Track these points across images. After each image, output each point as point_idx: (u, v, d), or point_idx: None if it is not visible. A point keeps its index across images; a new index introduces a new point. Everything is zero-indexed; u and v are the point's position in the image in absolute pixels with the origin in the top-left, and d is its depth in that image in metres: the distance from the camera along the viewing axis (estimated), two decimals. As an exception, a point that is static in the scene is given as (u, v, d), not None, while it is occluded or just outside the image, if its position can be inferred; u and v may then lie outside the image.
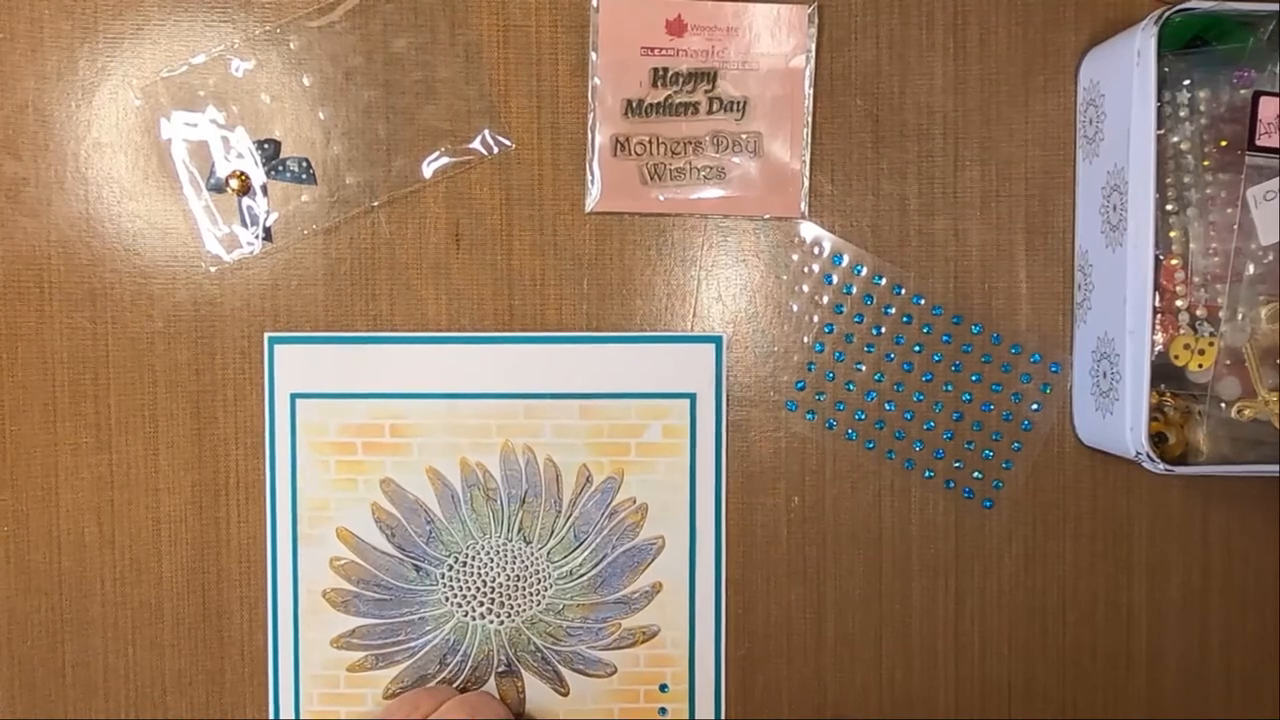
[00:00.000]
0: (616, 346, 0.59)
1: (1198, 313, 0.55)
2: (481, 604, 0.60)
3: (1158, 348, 0.55)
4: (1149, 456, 0.52)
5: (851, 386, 0.60)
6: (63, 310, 0.58)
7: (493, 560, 0.59)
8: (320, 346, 0.59)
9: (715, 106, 0.58)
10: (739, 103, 0.58)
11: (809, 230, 0.59)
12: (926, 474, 0.60)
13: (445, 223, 0.59)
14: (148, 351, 0.58)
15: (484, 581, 0.60)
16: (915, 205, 0.60)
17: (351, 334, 0.59)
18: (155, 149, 0.58)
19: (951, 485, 0.60)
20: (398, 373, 0.59)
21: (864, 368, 0.60)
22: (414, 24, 0.58)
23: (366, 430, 0.59)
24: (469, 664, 0.60)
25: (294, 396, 0.59)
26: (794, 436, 0.60)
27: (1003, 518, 0.61)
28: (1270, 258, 0.54)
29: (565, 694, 0.60)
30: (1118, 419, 0.54)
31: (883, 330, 0.60)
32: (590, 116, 0.58)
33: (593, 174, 0.58)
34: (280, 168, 0.58)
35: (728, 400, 0.60)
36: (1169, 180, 0.55)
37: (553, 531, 0.60)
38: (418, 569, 0.59)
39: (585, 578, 0.60)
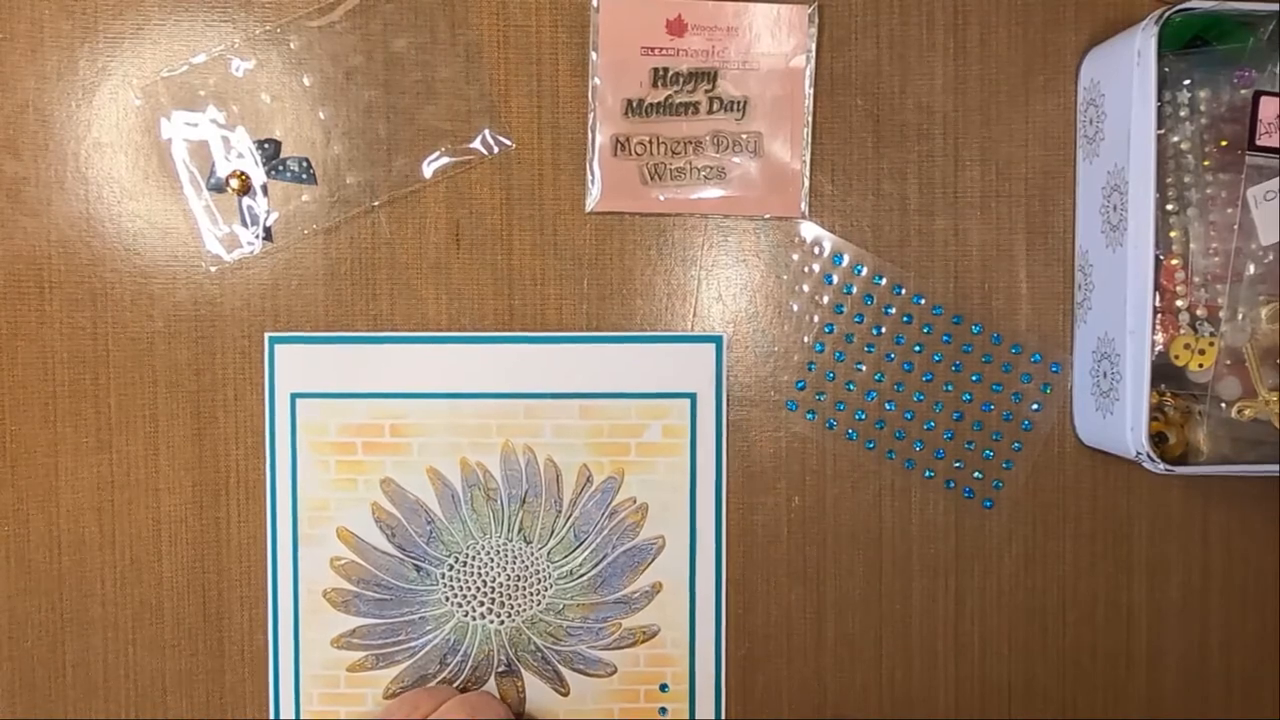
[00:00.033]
0: (616, 346, 0.59)
1: (1198, 313, 0.55)
2: (482, 604, 0.60)
3: (1158, 348, 0.55)
4: (1149, 456, 0.52)
5: (852, 386, 0.60)
6: (63, 310, 0.58)
7: (493, 560, 0.59)
8: (320, 346, 0.59)
9: (715, 106, 0.58)
10: (739, 103, 0.58)
11: (809, 230, 0.59)
12: (927, 474, 0.60)
13: (445, 223, 0.59)
14: (148, 351, 0.58)
15: (484, 581, 0.60)
16: (915, 205, 0.60)
17: (352, 334, 0.59)
18: (155, 149, 0.58)
19: (952, 485, 0.60)
20: (398, 373, 0.59)
21: (864, 368, 0.60)
22: (414, 24, 0.58)
23: (367, 430, 0.59)
24: (469, 664, 0.60)
25: (294, 396, 0.59)
26: (794, 436, 0.60)
27: (1003, 518, 0.61)
28: (1270, 258, 0.54)
29: (565, 694, 0.60)
30: (1118, 419, 0.54)
31: (883, 330, 0.60)
32: (590, 116, 0.58)
33: (593, 174, 0.58)
34: (280, 167, 0.58)
35: (728, 400, 0.60)
36: (1169, 180, 0.55)
37: (553, 531, 0.60)
38: (418, 569, 0.59)
39: (585, 578, 0.60)
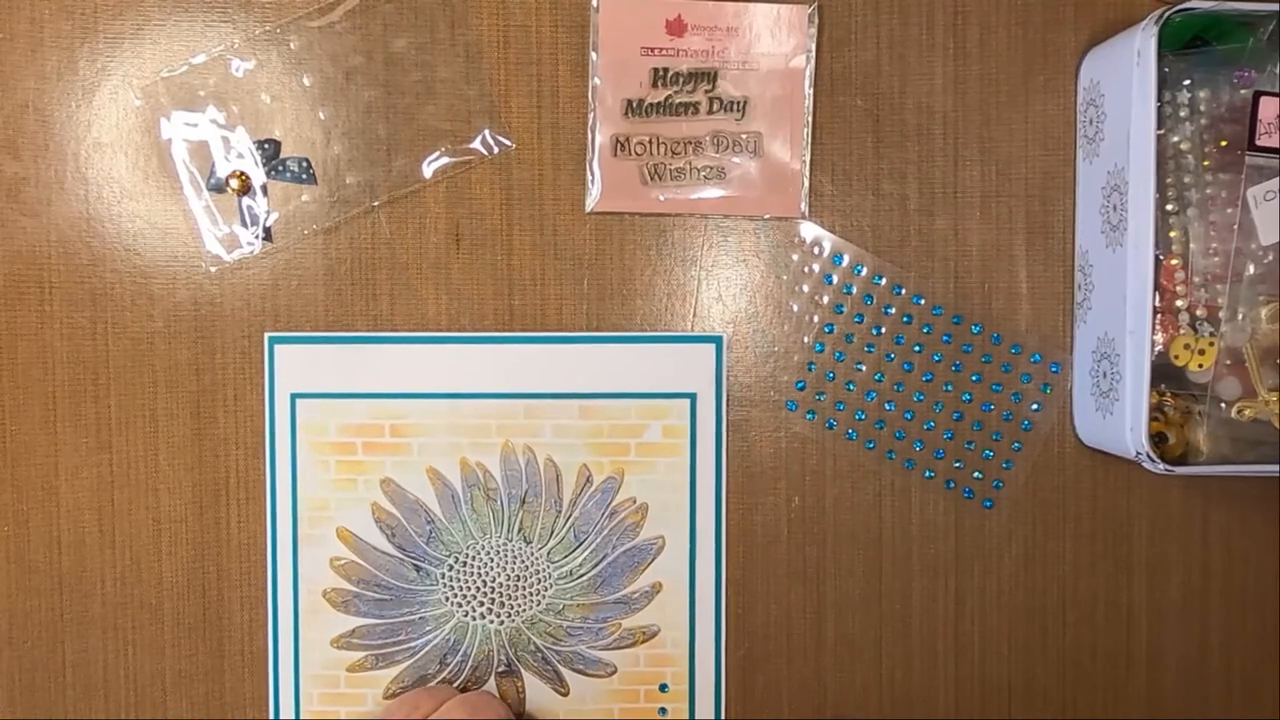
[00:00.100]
0: (616, 346, 0.59)
1: (1198, 313, 0.55)
2: (482, 604, 0.60)
3: (1158, 348, 0.55)
4: (1149, 456, 0.52)
5: (852, 386, 0.60)
6: (63, 310, 0.58)
7: (493, 560, 0.59)
8: (320, 346, 0.59)
9: (715, 106, 0.58)
10: (739, 103, 0.58)
11: (809, 230, 0.59)
12: (927, 474, 0.60)
13: (445, 223, 0.59)
14: (148, 351, 0.58)
15: (484, 581, 0.60)
16: (915, 205, 0.60)
17: (351, 334, 0.59)
18: (155, 149, 0.58)
19: (952, 485, 0.60)
20: (398, 373, 0.59)
21: (864, 368, 0.60)
22: (414, 24, 0.58)
23: (366, 430, 0.59)
24: (469, 664, 0.60)
25: (294, 396, 0.59)
26: (794, 436, 0.60)
27: (1003, 518, 0.61)
28: (1270, 258, 0.54)
29: (565, 694, 0.60)
30: (1118, 419, 0.54)
31: (883, 330, 0.60)
32: (590, 116, 0.58)
33: (593, 174, 0.58)
34: (280, 168, 0.58)
35: (728, 400, 0.60)
36: (1169, 180, 0.55)
37: (553, 531, 0.60)
38: (418, 569, 0.59)
39: (585, 578, 0.60)
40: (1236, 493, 0.61)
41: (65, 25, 0.57)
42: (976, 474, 0.60)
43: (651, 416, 0.59)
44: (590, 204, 0.59)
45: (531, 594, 0.60)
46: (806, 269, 0.60)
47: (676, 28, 0.58)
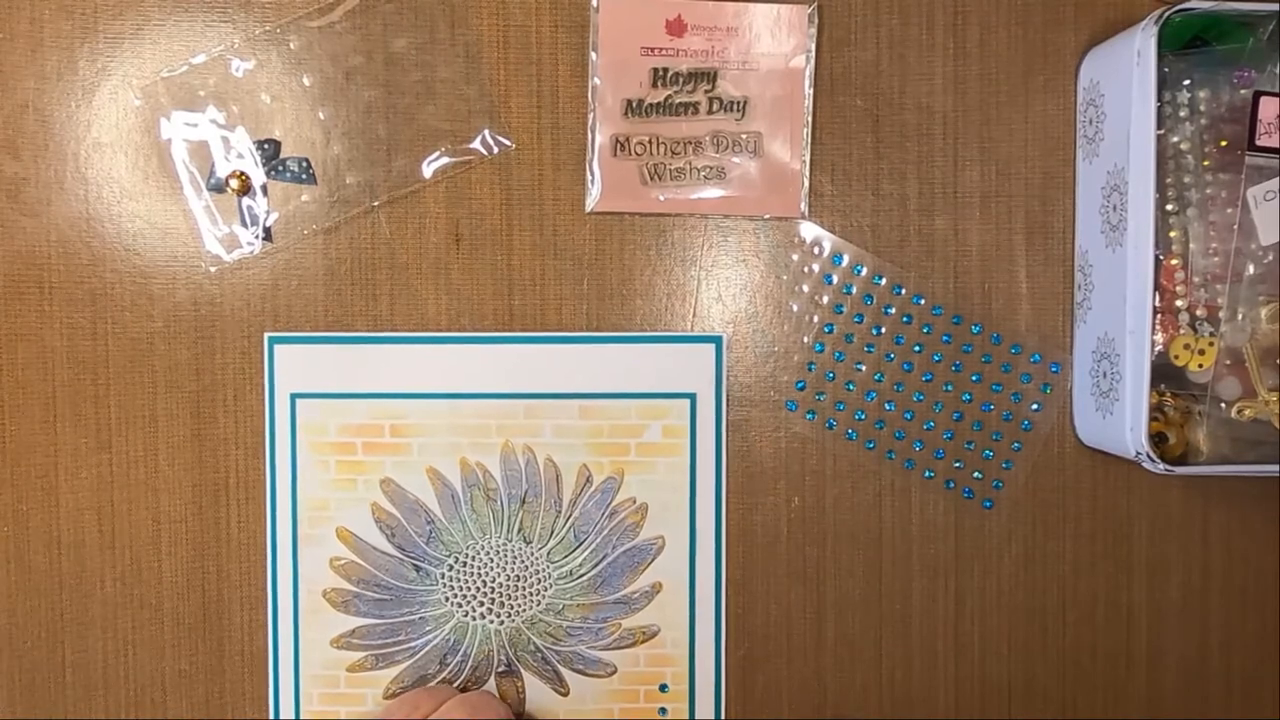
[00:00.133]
0: (616, 346, 0.59)
1: (1198, 313, 0.55)
2: (482, 604, 0.60)
3: (1158, 348, 0.55)
4: (1149, 456, 0.52)
5: (851, 386, 0.60)
6: (63, 310, 0.58)
7: (493, 560, 0.59)
8: (320, 346, 0.59)
9: (715, 106, 0.58)
10: (739, 103, 0.58)
11: (809, 230, 0.59)
12: (926, 474, 0.60)
13: (445, 223, 0.59)
14: (148, 351, 0.58)
15: (484, 581, 0.60)
16: (915, 205, 0.60)
17: (351, 334, 0.59)
18: (155, 149, 0.58)
19: (951, 485, 0.60)
20: (398, 373, 0.59)
21: (864, 368, 0.60)
22: (414, 24, 0.58)
23: (366, 430, 0.59)
24: (469, 664, 0.60)
25: (294, 396, 0.59)
26: (794, 436, 0.60)
27: (1003, 518, 0.61)
28: (1270, 258, 0.54)
29: (565, 694, 0.60)
30: (1118, 419, 0.54)
31: (883, 330, 0.60)
32: (590, 116, 0.58)
33: (593, 174, 0.58)
34: (280, 168, 0.58)
35: (728, 400, 0.60)
36: (1169, 180, 0.55)
37: (553, 531, 0.60)
38: (418, 569, 0.59)
39: (585, 578, 0.60)
40: (1236, 493, 0.61)
41: (65, 25, 0.57)
42: (976, 474, 0.60)
43: (651, 416, 0.59)
44: (590, 204, 0.59)
45: (531, 594, 0.60)
46: (806, 269, 0.60)
47: (676, 28, 0.58)
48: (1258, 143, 0.54)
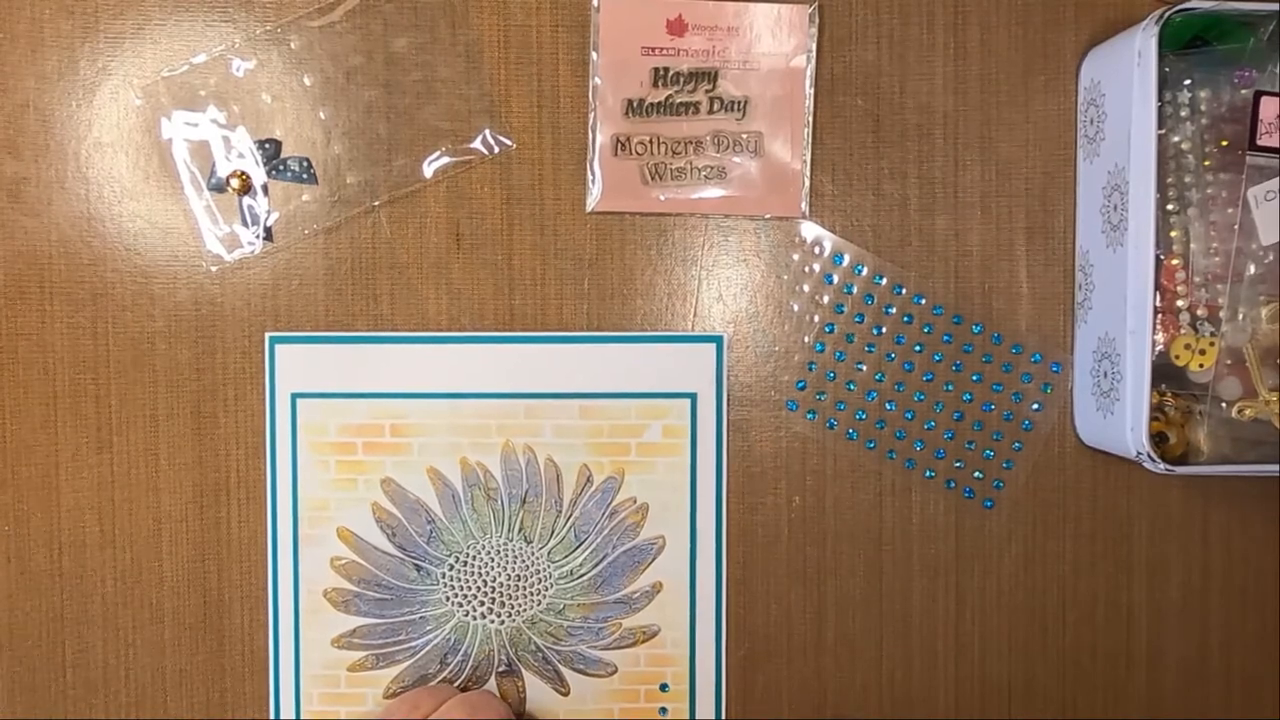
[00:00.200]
0: (617, 346, 0.59)
1: (1198, 313, 0.55)
2: (482, 604, 0.60)
3: (1158, 348, 0.55)
4: (1149, 456, 0.52)
5: (852, 386, 0.60)
6: (63, 310, 0.58)
7: (493, 560, 0.59)
8: (321, 346, 0.59)
9: (716, 106, 0.58)
10: (739, 102, 0.58)
11: (810, 230, 0.59)
12: (927, 474, 0.60)
13: (446, 222, 0.59)
14: (148, 351, 0.58)
15: (485, 581, 0.60)
16: (916, 205, 0.60)
17: (352, 334, 0.59)
18: (156, 149, 0.58)
19: (952, 485, 0.60)
20: (398, 373, 0.59)
21: (865, 367, 0.60)
22: (414, 24, 0.58)
23: (367, 430, 0.59)
24: (470, 663, 0.60)
25: (295, 396, 0.59)
26: (795, 436, 0.60)
27: (1003, 517, 0.61)
28: (1271, 258, 0.54)
29: (566, 694, 0.60)
30: (1118, 419, 0.54)
31: (883, 330, 0.60)
32: (591, 116, 0.58)
33: (593, 174, 0.58)
34: (281, 167, 0.58)
35: (728, 400, 0.60)
36: (1170, 180, 0.55)
37: (553, 531, 0.60)
38: (418, 569, 0.59)
39: (586, 577, 0.60)
40: (1236, 493, 0.61)
41: (65, 25, 0.57)
42: (977, 474, 0.60)
43: (652, 416, 0.59)
44: (591, 204, 0.59)
45: (532, 594, 0.60)
46: (807, 269, 0.60)
47: (677, 27, 0.58)
48: (1258, 142, 0.54)
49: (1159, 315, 0.55)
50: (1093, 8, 0.59)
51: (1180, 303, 0.55)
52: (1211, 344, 0.54)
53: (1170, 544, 0.61)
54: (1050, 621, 0.61)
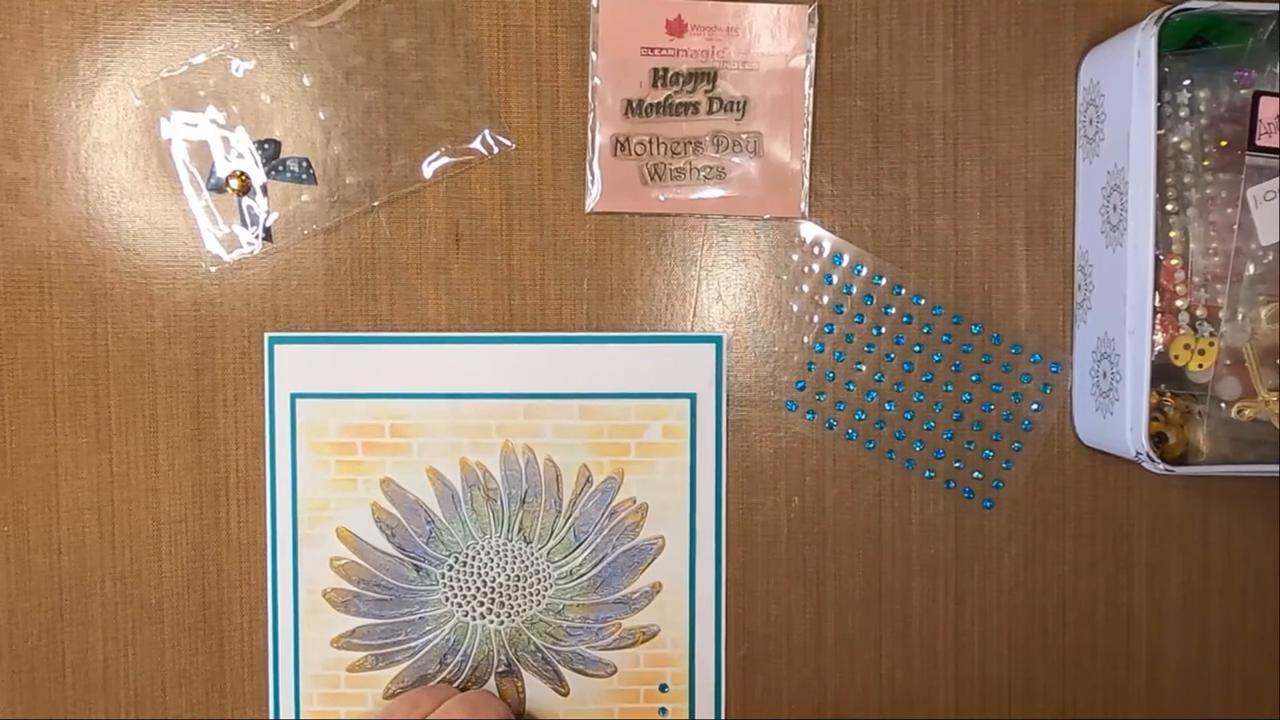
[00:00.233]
0: (616, 346, 0.59)
1: (1198, 313, 0.55)
2: (482, 604, 0.60)
3: (1158, 348, 0.55)
4: (1149, 456, 0.52)
5: (852, 386, 0.60)
6: (63, 310, 0.58)
7: (493, 560, 0.59)
8: (320, 346, 0.59)
9: (715, 106, 0.58)
10: (739, 103, 0.58)
11: (809, 230, 0.59)
12: (927, 474, 0.60)
13: (445, 223, 0.59)
14: (148, 351, 0.58)
15: (484, 581, 0.60)
16: (915, 205, 0.60)
17: (351, 334, 0.59)
18: (155, 149, 0.58)
19: (951, 485, 0.60)
20: (398, 373, 0.59)
21: (864, 368, 0.60)
22: (414, 24, 0.58)
23: (366, 430, 0.59)
24: (469, 664, 0.60)
25: (294, 396, 0.59)
26: (794, 436, 0.60)
27: (1003, 518, 0.61)
28: (1270, 258, 0.54)
29: (565, 694, 0.60)
30: (1118, 419, 0.54)
31: (883, 330, 0.60)
32: (590, 116, 0.58)
33: (593, 174, 0.58)
34: (280, 168, 0.58)
35: (728, 400, 0.60)
36: (1169, 180, 0.55)
37: (553, 531, 0.60)
38: (418, 569, 0.59)
39: (585, 578, 0.60)
40: (1236, 493, 0.61)
41: (65, 25, 0.57)
42: (976, 474, 0.60)
43: (651, 416, 0.59)
44: (590, 204, 0.59)
45: (531, 594, 0.60)
46: (806, 269, 0.60)
47: (676, 28, 0.58)
48: (1258, 143, 0.54)
49: (1158, 315, 0.55)
50: (1092, 8, 0.59)
51: (1180, 303, 0.55)
52: (1211, 344, 0.54)
53: (1170, 544, 0.61)
54: (1050, 621, 0.61)
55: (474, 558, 0.59)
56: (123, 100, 0.57)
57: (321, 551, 0.59)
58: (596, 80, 0.58)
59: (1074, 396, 0.60)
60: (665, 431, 0.59)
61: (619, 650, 0.60)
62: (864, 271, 0.59)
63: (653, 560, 0.60)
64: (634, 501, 0.59)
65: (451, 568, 0.59)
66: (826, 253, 0.59)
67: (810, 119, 0.59)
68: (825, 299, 0.60)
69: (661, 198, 0.58)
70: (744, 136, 0.58)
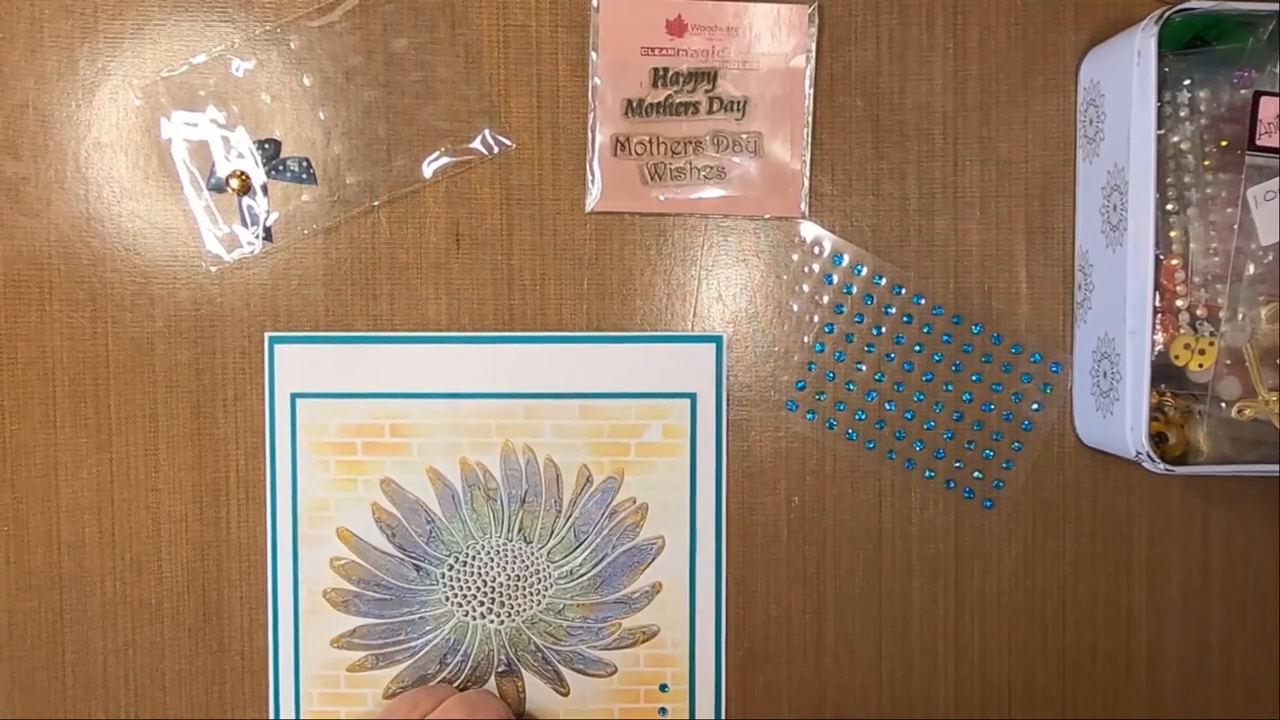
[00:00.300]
0: (616, 346, 0.59)
1: (1198, 312, 0.55)
2: (482, 604, 0.60)
3: (1158, 347, 0.55)
4: (1149, 456, 0.52)
5: (852, 386, 0.60)
6: (63, 310, 0.58)
7: (493, 560, 0.59)
8: (320, 346, 0.59)
9: (715, 106, 0.58)
10: (739, 102, 0.58)
11: (809, 230, 0.59)
12: (927, 474, 0.60)
13: (445, 223, 0.59)
14: (148, 351, 0.58)
15: (484, 581, 0.60)
16: (915, 205, 0.60)
17: (352, 334, 0.59)
18: (155, 149, 0.58)
19: (952, 485, 0.60)
20: (398, 373, 0.59)
21: (864, 367, 0.60)
22: (414, 24, 0.58)
23: (366, 430, 0.59)
24: (469, 664, 0.60)
25: (294, 396, 0.59)
26: (794, 436, 0.60)
27: (1003, 517, 0.61)
28: (1270, 257, 0.54)
29: (565, 694, 0.60)
30: (1118, 419, 0.54)
31: (883, 330, 0.60)
32: (590, 116, 0.58)
33: (593, 174, 0.58)
34: (280, 167, 0.58)
35: (728, 400, 0.60)
36: (1169, 180, 0.55)
37: (553, 531, 0.60)
38: (418, 569, 0.59)
39: (585, 577, 0.60)
40: (1236, 493, 0.61)
41: (65, 25, 0.57)
42: (976, 474, 0.60)
43: (651, 416, 0.59)
44: (590, 204, 0.59)
45: (531, 594, 0.60)
46: (806, 269, 0.60)
47: (676, 28, 0.58)
48: (1258, 142, 0.54)
49: (1158, 315, 0.55)
50: (1093, 8, 0.59)
51: (1180, 303, 0.55)
52: (1211, 344, 0.54)
53: (1170, 544, 0.61)
54: (1050, 621, 0.61)
55: (474, 557, 0.59)
56: (123, 100, 0.57)
57: (322, 551, 0.59)
58: (596, 80, 0.58)
59: (1074, 396, 0.60)
60: (665, 431, 0.59)
61: (619, 650, 0.60)
62: (864, 271, 0.59)
63: (653, 560, 0.60)
64: (634, 501, 0.59)
65: (452, 567, 0.59)
66: (827, 252, 0.59)
67: (810, 119, 0.59)
68: (825, 299, 0.60)
69: (662, 197, 0.58)
70: (744, 136, 0.58)
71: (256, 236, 0.58)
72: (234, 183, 0.57)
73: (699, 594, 0.60)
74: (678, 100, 0.58)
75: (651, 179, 0.58)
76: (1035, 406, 0.60)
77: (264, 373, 0.59)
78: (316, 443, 0.59)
